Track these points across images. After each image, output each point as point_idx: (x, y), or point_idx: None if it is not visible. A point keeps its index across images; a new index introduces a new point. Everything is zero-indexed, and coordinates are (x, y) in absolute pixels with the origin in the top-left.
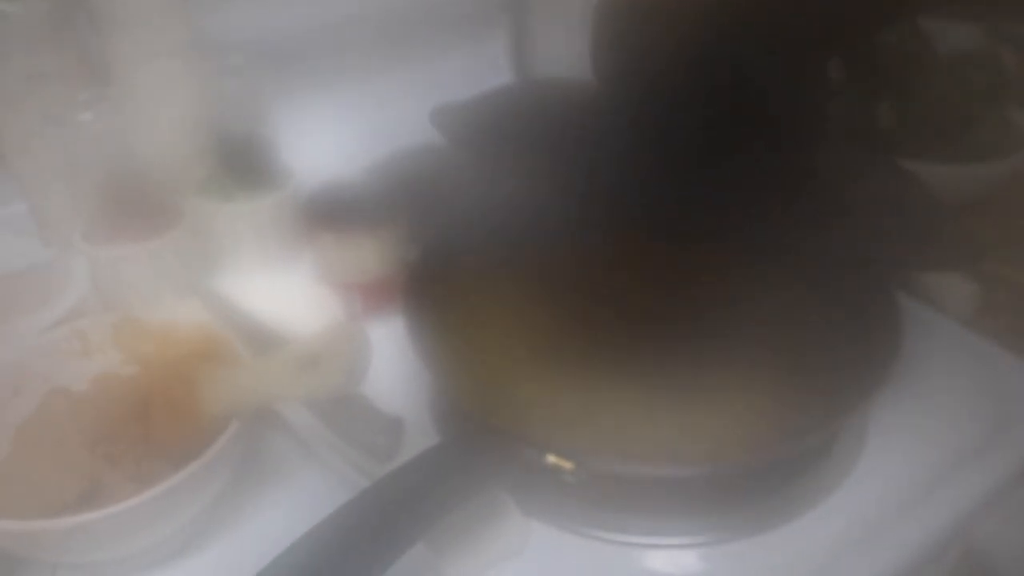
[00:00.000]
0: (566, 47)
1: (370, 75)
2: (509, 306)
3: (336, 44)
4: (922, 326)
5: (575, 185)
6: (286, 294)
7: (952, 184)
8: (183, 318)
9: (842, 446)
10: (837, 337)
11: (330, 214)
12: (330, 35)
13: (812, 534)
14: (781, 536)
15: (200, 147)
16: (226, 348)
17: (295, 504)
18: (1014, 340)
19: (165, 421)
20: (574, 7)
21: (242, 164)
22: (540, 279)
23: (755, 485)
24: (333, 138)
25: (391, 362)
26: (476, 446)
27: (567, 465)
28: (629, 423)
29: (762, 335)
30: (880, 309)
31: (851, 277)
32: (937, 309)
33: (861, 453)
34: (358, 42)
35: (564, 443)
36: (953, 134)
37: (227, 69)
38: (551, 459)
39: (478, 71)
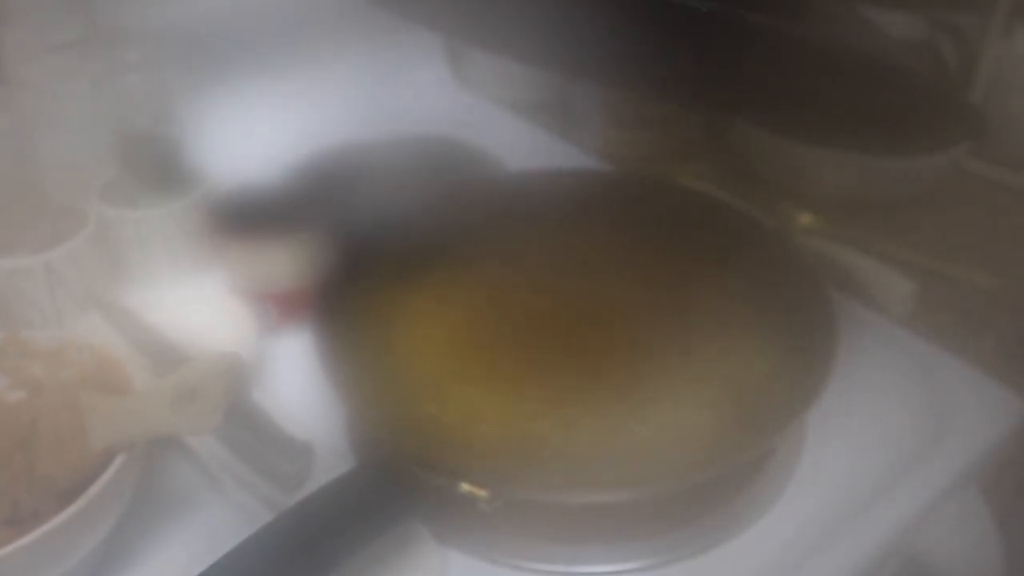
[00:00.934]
0: None
1: (291, 68)
2: (428, 319)
3: (253, 34)
4: (859, 327)
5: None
6: (196, 306)
7: (892, 178)
8: (79, 337)
9: (778, 459)
10: (773, 346)
11: (239, 221)
12: (246, 24)
13: (748, 554)
14: (715, 558)
15: (102, 149)
16: (120, 373)
17: (197, 541)
18: (952, 337)
19: (51, 453)
20: None
21: (148, 167)
22: (463, 289)
23: (685, 507)
24: (249, 137)
25: (306, 378)
26: (388, 474)
27: (482, 493)
28: (548, 447)
29: (694, 349)
30: (815, 314)
31: (785, 280)
32: (875, 308)
33: (798, 464)
34: (278, 32)
35: (478, 470)
36: None
37: (127, 64)
38: (465, 487)
39: (410, 63)
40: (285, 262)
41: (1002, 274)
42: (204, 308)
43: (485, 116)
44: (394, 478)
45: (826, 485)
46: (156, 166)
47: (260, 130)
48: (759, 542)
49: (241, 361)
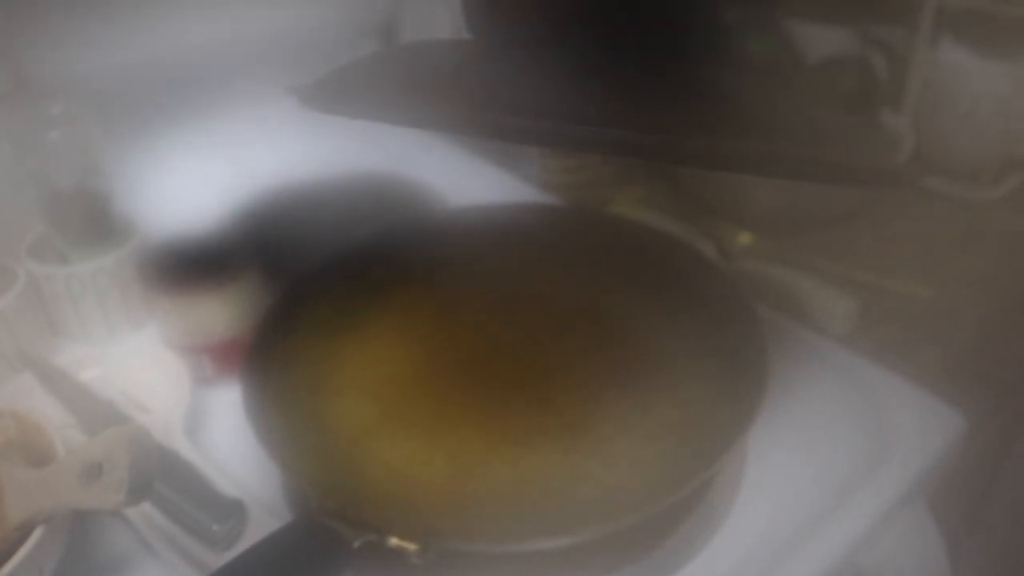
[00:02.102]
0: None
1: (227, 109)
2: (361, 366)
3: (185, 79)
4: (800, 347)
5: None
6: (131, 361)
7: (828, 194)
8: (1, 403)
9: (718, 486)
10: (709, 374)
11: (172, 273)
12: (179, 70)
13: None
14: None
15: (29, 205)
16: (43, 439)
17: None
18: (895, 351)
19: None
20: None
21: (76, 222)
22: (397, 333)
23: (627, 544)
24: (182, 186)
25: (242, 431)
26: (318, 530)
27: (412, 547)
28: (483, 495)
29: (632, 383)
30: (748, 340)
31: (719, 309)
32: (815, 328)
33: (739, 489)
34: (212, 75)
35: (405, 523)
36: None
37: (50, 118)
38: (394, 542)
39: None
40: (219, 313)
41: (941, 285)
42: (139, 363)
43: (425, 149)
44: (324, 534)
45: (769, 508)
46: (85, 221)
47: (193, 178)
48: (704, 571)
49: (146, 436)
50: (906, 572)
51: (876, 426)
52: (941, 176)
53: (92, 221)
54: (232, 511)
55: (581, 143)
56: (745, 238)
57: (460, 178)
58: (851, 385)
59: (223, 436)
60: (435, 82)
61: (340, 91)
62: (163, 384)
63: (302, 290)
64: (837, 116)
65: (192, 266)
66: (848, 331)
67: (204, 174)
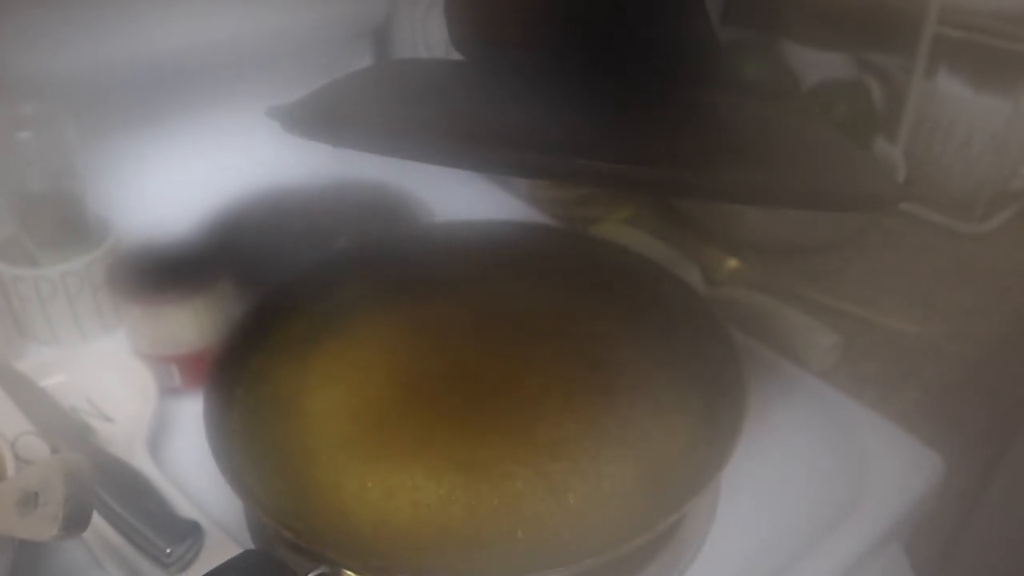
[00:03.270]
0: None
1: (205, 115)
2: (329, 386)
3: (165, 78)
4: (781, 381)
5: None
6: (98, 368)
7: (819, 223)
8: None
9: (690, 523)
10: (685, 408)
11: (143, 279)
12: (159, 69)
13: None
14: None
15: None
16: None
17: None
18: (876, 388)
19: None
20: (435, 38)
21: (47, 224)
22: (368, 352)
23: None
24: (158, 188)
25: (205, 449)
26: (271, 561)
27: None
28: (449, 527)
29: (608, 415)
30: (726, 374)
31: (698, 339)
32: (797, 362)
33: (711, 527)
34: (196, 74)
35: (361, 559)
36: None
37: (22, 119)
38: (347, 575)
39: None
40: (190, 323)
41: (925, 319)
42: (106, 370)
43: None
44: (277, 566)
45: (741, 546)
46: (56, 222)
47: (169, 182)
48: None
49: (85, 468)
50: None
51: (854, 466)
52: (932, 207)
53: (64, 223)
54: (188, 533)
55: (571, 175)
56: (732, 263)
57: (448, 189)
58: (831, 423)
59: (186, 452)
60: (420, 109)
61: (322, 116)
62: (129, 393)
63: (273, 304)
64: (832, 138)
65: (164, 273)
66: (830, 366)
67: (180, 178)
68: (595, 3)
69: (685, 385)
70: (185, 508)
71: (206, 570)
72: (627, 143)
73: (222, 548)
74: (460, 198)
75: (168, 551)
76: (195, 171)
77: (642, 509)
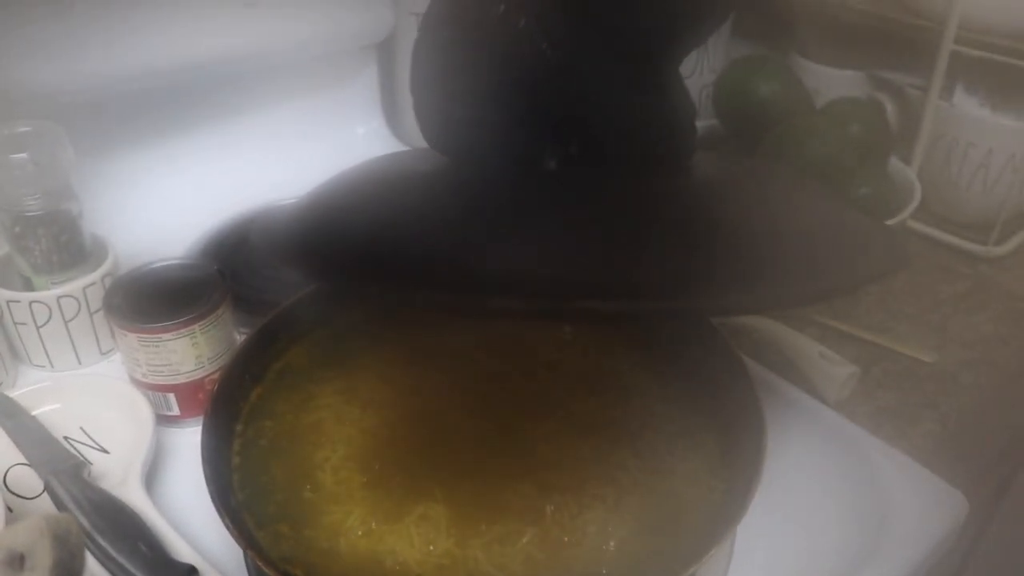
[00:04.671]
0: None
1: (214, 127)
2: (332, 424)
3: (167, 93)
4: (798, 416)
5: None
6: (93, 397)
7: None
8: None
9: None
10: (696, 441)
11: (136, 308)
12: (154, 86)
13: None
14: None
15: None
16: None
17: None
18: (894, 419)
19: None
20: None
21: (42, 246)
22: (372, 383)
23: None
24: (159, 207)
25: (203, 486)
26: None
27: None
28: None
29: (617, 460)
30: (740, 407)
31: (714, 379)
32: (811, 391)
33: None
34: (197, 90)
35: None
36: (833, 190)
37: (17, 140)
38: None
39: (344, 117)
40: (189, 351)
41: (942, 347)
42: (101, 398)
43: None
44: None
45: None
46: (51, 245)
47: (169, 200)
48: None
49: (73, 530)
50: None
51: (876, 508)
52: (948, 229)
53: (59, 245)
54: None
55: (564, 316)
56: None
57: None
58: (850, 460)
59: (183, 485)
60: (407, 244)
61: (307, 255)
62: (124, 422)
63: (274, 332)
64: (831, 212)
65: (162, 299)
66: (846, 396)
67: (180, 197)
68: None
69: (699, 421)
70: (182, 550)
71: None
72: (622, 277)
73: None
74: None
75: None
76: (195, 190)
77: (653, 564)
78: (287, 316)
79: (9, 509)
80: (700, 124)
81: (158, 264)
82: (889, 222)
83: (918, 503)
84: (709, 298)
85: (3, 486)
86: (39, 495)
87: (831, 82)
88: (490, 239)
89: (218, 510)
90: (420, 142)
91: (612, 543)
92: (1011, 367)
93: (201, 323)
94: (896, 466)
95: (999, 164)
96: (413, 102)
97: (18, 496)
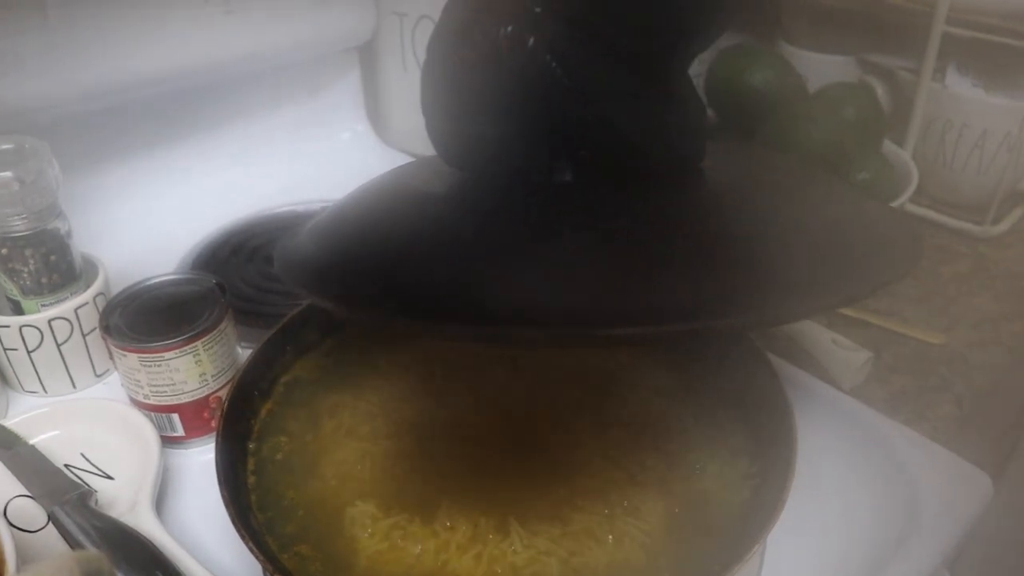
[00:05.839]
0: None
1: (198, 137)
2: (347, 438)
3: (146, 107)
4: (814, 402)
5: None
6: (92, 422)
7: None
8: None
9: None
10: (722, 439)
11: (134, 327)
12: (137, 98)
13: None
14: None
15: None
16: None
17: None
18: (911, 403)
19: None
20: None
21: (32, 268)
22: (389, 398)
23: None
24: (150, 222)
25: (216, 505)
26: None
27: None
28: None
29: (639, 467)
30: (772, 417)
31: (741, 380)
32: (825, 378)
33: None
34: (180, 100)
35: None
36: (836, 175)
37: (2, 157)
38: None
39: (330, 121)
40: (192, 369)
41: (950, 328)
42: (102, 423)
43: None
44: None
45: None
46: (40, 266)
47: (160, 214)
48: None
49: (104, 565)
50: None
51: (903, 495)
52: (945, 211)
53: (49, 266)
54: None
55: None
56: None
57: None
58: (873, 446)
59: (195, 509)
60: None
61: (332, 283)
62: (127, 446)
63: (282, 345)
64: (847, 205)
65: (160, 316)
66: (861, 382)
67: (171, 211)
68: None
69: (725, 421)
70: (197, 571)
71: None
72: (646, 301)
73: None
74: None
75: None
76: (183, 202)
77: (691, 568)
78: (293, 327)
79: None
80: None
81: (154, 280)
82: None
83: (945, 486)
84: (736, 315)
85: (3, 519)
86: (43, 527)
87: (820, 68)
88: (510, 265)
89: (240, 533)
90: (405, 146)
91: (645, 547)
92: (1018, 344)
93: (204, 339)
94: (919, 450)
95: (993, 144)
96: (425, 122)
97: (20, 529)
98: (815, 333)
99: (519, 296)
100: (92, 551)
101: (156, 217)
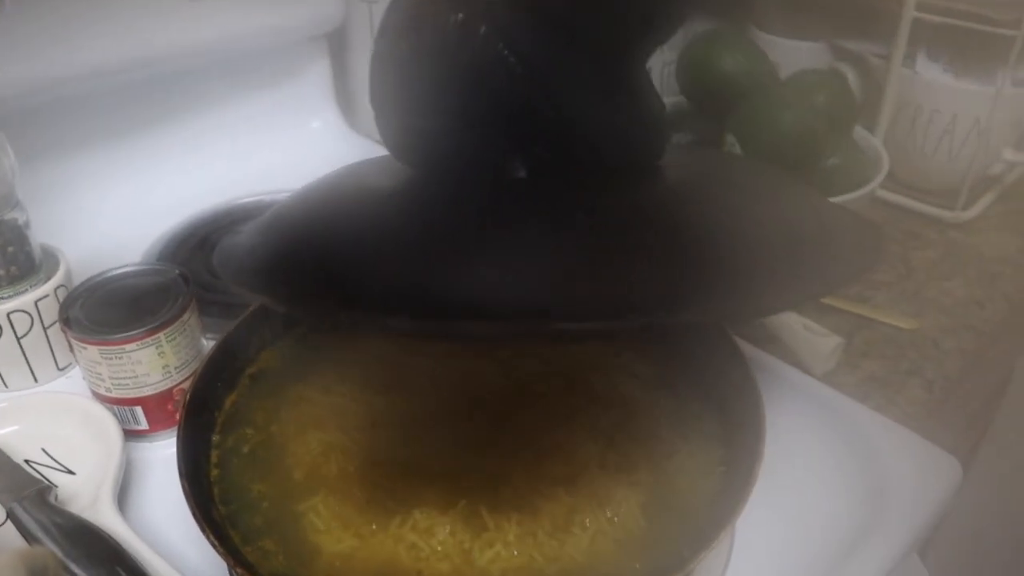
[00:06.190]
0: None
1: (166, 125)
2: (315, 427)
3: (105, 94)
4: (784, 388)
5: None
6: (53, 415)
7: None
8: None
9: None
10: (692, 425)
11: (95, 319)
12: (95, 85)
13: None
14: None
15: None
16: None
17: None
18: (881, 388)
19: None
20: None
21: None
22: (360, 386)
23: None
24: (111, 212)
25: (181, 501)
26: None
27: None
28: None
29: (611, 451)
30: (742, 401)
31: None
32: (797, 364)
33: (728, 562)
34: (148, 86)
35: None
36: (804, 163)
37: None
38: None
39: (300, 111)
40: (155, 361)
41: (920, 313)
42: (63, 416)
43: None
44: None
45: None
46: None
47: (121, 204)
48: None
49: (49, 564)
50: None
51: (873, 479)
52: (915, 196)
53: (7, 258)
54: None
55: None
56: None
57: None
58: (843, 431)
59: (158, 504)
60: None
61: (274, 278)
62: (89, 441)
63: (246, 336)
64: (808, 208)
65: (122, 308)
66: (832, 368)
67: (132, 200)
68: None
69: (696, 407)
70: (163, 572)
71: None
72: (600, 294)
73: None
74: None
75: None
76: (147, 193)
77: (661, 551)
78: (257, 319)
79: None
80: (666, 101)
81: (116, 271)
82: (859, 192)
83: (915, 471)
84: (692, 311)
85: None
86: (2, 524)
87: (792, 55)
88: (460, 257)
89: (200, 526)
90: (376, 134)
91: (615, 532)
92: (989, 330)
93: (167, 331)
94: (889, 435)
95: (963, 129)
96: (375, 115)
97: None
98: (786, 319)
99: (469, 289)
100: (40, 548)
101: (121, 208)
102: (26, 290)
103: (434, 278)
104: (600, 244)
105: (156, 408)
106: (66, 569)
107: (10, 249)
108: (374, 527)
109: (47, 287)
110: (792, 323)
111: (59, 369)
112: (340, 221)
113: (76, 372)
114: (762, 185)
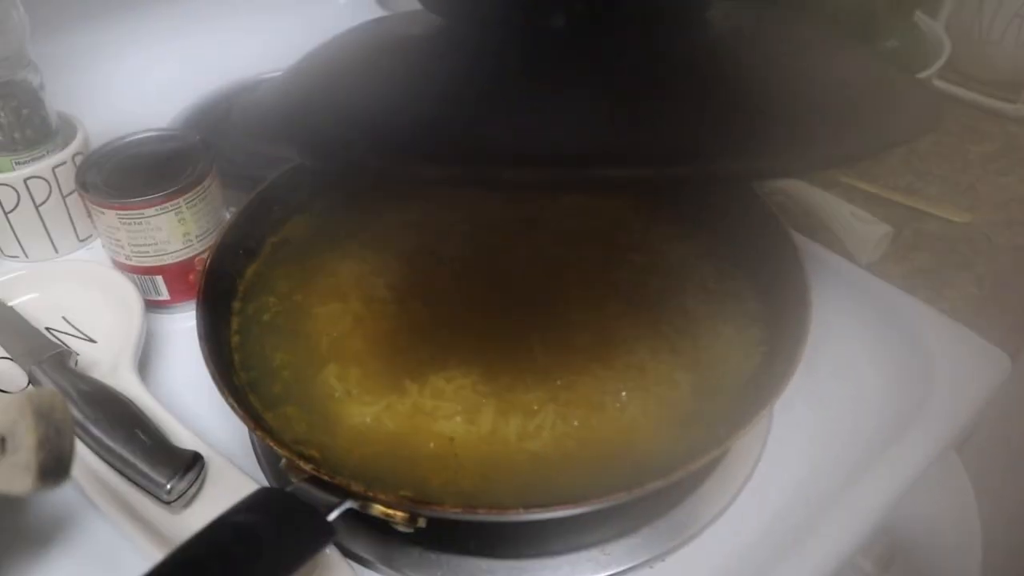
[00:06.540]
0: None
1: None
2: (341, 297)
3: None
4: (829, 276)
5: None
6: (74, 284)
7: None
8: None
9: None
10: (739, 317)
11: (115, 185)
12: None
13: (713, 554)
14: (678, 562)
15: None
16: None
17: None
18: (929, 280)
19: None
20: None
21: (4, 122)
22: (385, 256)
23: (639, 512)
24: (132, 80)
25: (201, 370)
26: (291, 499)
27: (398, 515)
28: (474, 457)
29: (650, 322)
30: (787, 282)
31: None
32: (843, 253)
33: (765, 445)
34: None
35: (392, 490)
36: (862, 40)
37: None
38: (379, 509)
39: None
40: (175, 228)
41: (974, 208)
42: (83, 285)
43: None
44: (298, 504)
45: (798, 465)
46: (12, 120)
47: (140, 70)
48: (730, 532)
49: (58, 404)
50: (937, 523)
51: (917, 370)
52: (975, 88)
53: (21, 120)
54: (188, 465)
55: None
56: None
57: None
58: (888, 320)
59: (179, 373)
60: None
61: (288, 129)
62: (110, 309)
63: (268, 203)
64: (865, 68)
65: (142, 173)
66: (878, 258)
67: (156, 73)
68: None
69: (739, 287)
70: (183, 437)
71: (212, 506)
72: (641, 142)
73: (228, 480)
74: None
75: (168, 486)
76: (171, 64)
77: (697, 430)
78: (284, 185)
79: None
80: None
81: (135, 136)
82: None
83: (961, 362)
84: (734, 162)
85: None
86: (24, 389)
87: None
88: (496, 103)
89: (220, 389)
90: (404, 9)
91: (650, 409)
92: None
93: (186, 196)
94: (936, 326)
95: None
96: None
97: (2, 391)
98: (833, 206)
99: (505, 135)
100: (48, 389)
101: (144, 79)
102: (43, 155)
103: (469, 124)
104: (644, 91)
105: (177, 278)
106: (85, 431)
107: (24, 111)
108: (397, 396)
109: (64, 154)
110: (840, 210)
111: (80, 240)
112: (368, 69)
113: (97, 244)
114: (817, 41)
